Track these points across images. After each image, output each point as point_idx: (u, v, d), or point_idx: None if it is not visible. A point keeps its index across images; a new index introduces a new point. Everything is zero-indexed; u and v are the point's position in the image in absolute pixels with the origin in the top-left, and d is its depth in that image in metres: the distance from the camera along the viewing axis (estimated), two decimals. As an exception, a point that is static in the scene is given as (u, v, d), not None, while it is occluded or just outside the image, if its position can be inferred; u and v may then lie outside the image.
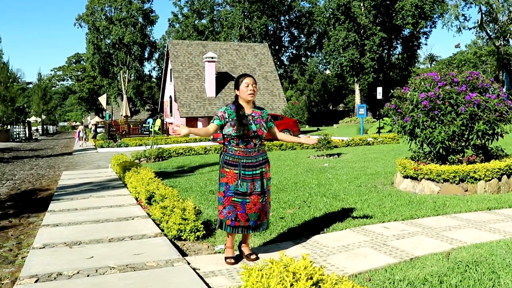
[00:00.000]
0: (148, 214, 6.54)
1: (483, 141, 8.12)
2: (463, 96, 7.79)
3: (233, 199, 4.24)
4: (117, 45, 63.64)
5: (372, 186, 8.52)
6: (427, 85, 8.15)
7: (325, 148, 14.66)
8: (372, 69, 49.85)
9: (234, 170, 4.24)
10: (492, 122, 7.71)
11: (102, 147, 24.89)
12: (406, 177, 8.32)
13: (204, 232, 5.29)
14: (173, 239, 5.25)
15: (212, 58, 34.03)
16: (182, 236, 5.22)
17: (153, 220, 6.09)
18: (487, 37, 53.17)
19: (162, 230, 5.50)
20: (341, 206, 6.68)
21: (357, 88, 53.25)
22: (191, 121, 33.88)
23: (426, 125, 7.87)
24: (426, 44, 61.40)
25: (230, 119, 4.24)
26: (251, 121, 4.29)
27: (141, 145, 24.55)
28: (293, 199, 7.36)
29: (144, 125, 37.70)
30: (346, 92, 71.41)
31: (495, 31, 52.20)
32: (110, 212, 6.80)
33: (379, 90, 24.53)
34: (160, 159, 15.35)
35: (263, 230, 4.54)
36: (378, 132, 31.06)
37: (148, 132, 35.60)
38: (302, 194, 7.80)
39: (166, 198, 6.35)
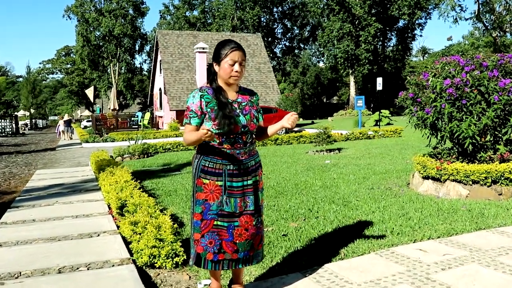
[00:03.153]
0: (118, 227, 5.28)
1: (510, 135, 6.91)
2: (496, 82, 6.58)
3: (215, 223, 3.02)
4: (107, 37, 62.16)
5: (386, 189, 7.30)
6: (451, 70, 6.93)
7: (324, 142, 13.44)
8: (367, 61, 48.78)
9: (217, 182, 3.01)
10: (531, 114, 6.51)
11: (87, 142, 23.54)
12: (426, 177, 7.11)
13: (185, 256, 4.04)
14: (144, 267, 4.01)
15: (203, 48, 32.65)
16: (156, 263, 3.98)
17: (123, 238, 4.85)
18: (483, 28, 52.12)
19: (132, 254, 4.25)
20: (356, 216, 5.45)
21: (352, 80, 52.14)
22: (181, 115, 32.57)
23: (451, 117, 6.66)
24: (421, 36, 60.41)
25: (209, 109, 2.98)
26: (237, 111, 3.06)
27: (130, 139, 23.21)
28: (296, 207, 6.13)
29: (133, 118, 36.26)
30: (339, 84, 70.35)
31: (492, 22, 51.18)
32: (73, 225, 5.55)
33: (379, 80, 23.28)
34: (145, 156, 14.06)
35: (257, 263, 3.29)
36: (377, 125, 29.93)
37: (137, 126, 34.22)
38: (306, 200, 6.57)
39: (141, 207, 5.12)
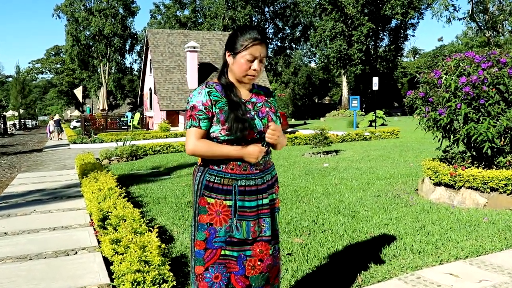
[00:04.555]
0: (100, 242, 4.65)
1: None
2: (516, 80, 6.01)
3: (222, 252, 2.41)
4: (97, 37, 61.25)
5: (394, 196, 6.71)
6: (466, 67, 6.36)
7: (322, 144, 12.84)
8: (359, 61, 48.40)
9: (225, 201, 2.39)
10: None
11: (75, 143, 22.78)
12: (438, 184, 6.54)
13: (175, 282, 3.42)
14: (126, 296, 3.39)
15: (194, 48, 31.91)
16: (141, 291, 3.36)
17: (104, 257, 4.21)
18: (477, 28, 51.84)
19: (113, 279, 3.62)
20: (367, 230, 4.85)
21: (344, 80, 51.76)
22: (172, 115, 31.85)
23: (467, 119, 6.09)
24: (413, 36, 59.95)
25: (217, 110, 2.38)
26: (252, 113, 2.46)
27: (117, 140, 22.52)
28: (298, 218, 5.52)
29: (122, 119, 35.47)
30: (331, 85, 70.04)
31: (485, 22, 50.93)
32: (48, 240, 4.91)
33: (375, 80, 22.71)
34: (134, 158, 13.38)
35: None
36: (371, 125, 29.41)
37: (126, 127, 33.46)
38: (309, 209, 5.96)
39: (125, 220, 4.49)
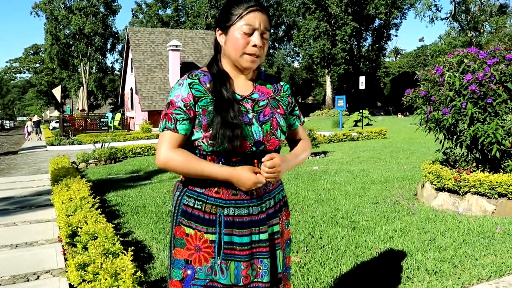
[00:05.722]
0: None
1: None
2: (526, 77, 5.54)
3: None
4: (77, 36, 60.02)
5: (393, 203, 6.21)
6: (470, 63, 5.88)
7: (310, 146, 12.30)
8: (343, 60, 48.13)
9: (207, 234, 1.80)
10: None
11: (52, 144, 21.95)
12: (440, 189, 6.05)
13: (154, 317, 2.86)
14: (94, 335, 2.82)
15: (176, 46, 31.23)
16: (112, 329, 2.79)
17: (71, 285, 3.62)
18: (459, 28, 51.93)
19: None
20: (371, 245, 4.32)
21: (328, 80, 51.44)
22: (153, 115, 31.14)
23: (473, 119, 5.61)
24: (396, 36, 59.89)
25: (200, 110, 1.79)
26: (250, 116, 1.83)
27: (97, 142, 21.77)
28: (293, 230, 4.96)
29: (102, 120, 34.62)
30: (314, 84, 69.72)
31: (467, 22, 51.04)
32: (8, 260, 4.28)
33: (362, 79, 22.28)
34: (113, 161, 12.71)
35: None
36: (356, 125, 29.03)
37: (107, 128, 32.63)
38: (303, 220, 5.41)
39: (96, 238, 3.91)
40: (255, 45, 1.80)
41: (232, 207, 1.80)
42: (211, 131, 1.74)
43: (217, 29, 1.88)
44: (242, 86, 1.90)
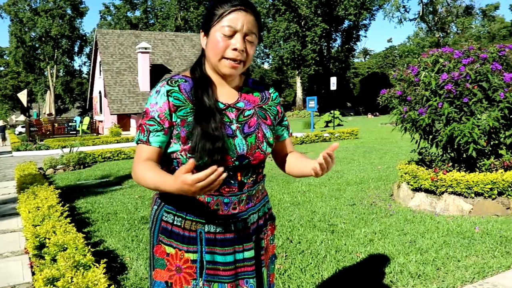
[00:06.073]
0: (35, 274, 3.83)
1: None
2: (500, 77, 5.55)
3: None
4: (43, 38, 58.83)
5: (370, 204, 6.15)
6: (445, 62, 5.86)
7: (283, 147, 12.22)
8: (313, 61, 48.39)
9: (188, 254, 1.65)
10: (542, 113, 5.53)
11: (18, 150, 21.35)
12: (417, 190, 6.01)
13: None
14: None
15: (145, 49, 30.81)
16: None
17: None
18: (427, 28, 52.79)
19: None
20: (351, 249, 4.22)
21: (298, 81, 51.62)
22: (123, 119, 30.65)
23: (449, 119, 5.58)
24: (365, 37, 60.57)
25: (178, 120, 1.62)
26: (233, 127, 1.67)
27: (64, 147, 21.28)
28: (270, 234, 4.85)
29: (70, 124, 33.91)
30: (284, 86, 69.88)
31: (435, 23, 51.92)
32: (-28, 273, 4.05)
33: (333, 80, 22.33)
34: (82, 166, 12.37)
35: None
36: (327, 126, 29.09)
37: (75, 132, 31.99)
38: (280, 224, 5.29)
39: (66, 249, 3.71)
40: (235, 49, 1.61)
41: (213, 224, 1.66)
42: (190, 144, 1.58)
43: (201, 30, 1.72)
44: (226, 93, 1.73)
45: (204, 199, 1.63)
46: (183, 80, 1.67)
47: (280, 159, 1.94)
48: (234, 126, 1.66)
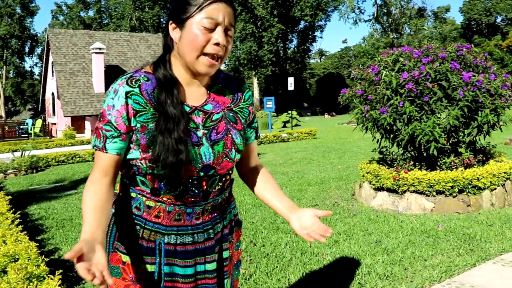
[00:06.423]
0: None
1: (474, 137, 5.98)
2: (459, 76, 5.61)
3: None
4: (-9, 38, 56.91)
5: (332, 204, 6.11)
6: (405, 62, 5.88)
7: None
8: (270, 62, 48.51)
9: (145, 265, 1.51)
10: (499, 111, 5.61)
11: (-34, 155, 20.54)
12: (379, 189, 6.00)
13: None
14: None
15: (100, 49, 30.14)
16: None
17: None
18: (382, 29, 53.82)
19: None
20: (317, 250, 4.13)
21: (255, 81, 51.62)
22: (77, 121, 29.90)
23: (411, 118, 5.59)
24: (321, 37, 61.38)
25: (138, 125, 1.45)
26: (199, 134, 1.51)
27: (16, 150, 20.52)
28: (234, 237, 4.72)
29: (22, 126, 32.86)
30: (241, 87, 69.83)
31: (389, 24, 52.99)
32: None
33: (291, 80, 22.38)
34: (35, 171, 11.91)
35: None
36: (285, 126, 29.19)
37: (27, 135, 31.01)
38: (242, 226, 5.19)
39: (18, 259, 3.49)
40: (217, 43, 1.44)
41: (173, 235, 1.52)
42: (150, 153, 1.43)
43: (170, 22, 1.50)
44: (193, 94, 1.55)
45: (165, 208, 1.49)
46: (145, 79, 1.48)
47: (245, 171, 1.81)
48: (200, 133, 1.50)
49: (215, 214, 1.60)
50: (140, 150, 1.44)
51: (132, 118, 1.44)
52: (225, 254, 1.64)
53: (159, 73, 1.50)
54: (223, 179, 1.58)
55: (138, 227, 1.50)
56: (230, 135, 1.56)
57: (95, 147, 1.47)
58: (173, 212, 1.50)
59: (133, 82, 1.46)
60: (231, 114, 1.60)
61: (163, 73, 1.50)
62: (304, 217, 1.61)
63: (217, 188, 1.56)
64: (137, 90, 1.45)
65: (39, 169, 12.21)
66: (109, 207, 1.43)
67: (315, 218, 1.60)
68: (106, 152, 1.45)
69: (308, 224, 1.59)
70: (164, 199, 1.49)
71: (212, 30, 1.44)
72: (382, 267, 3.62)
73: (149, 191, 1.49)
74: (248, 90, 1.71)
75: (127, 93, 1.44)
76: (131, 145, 1.47)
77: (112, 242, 1.54)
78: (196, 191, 1.50)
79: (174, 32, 1.49)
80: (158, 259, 1.50)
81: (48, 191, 8.51)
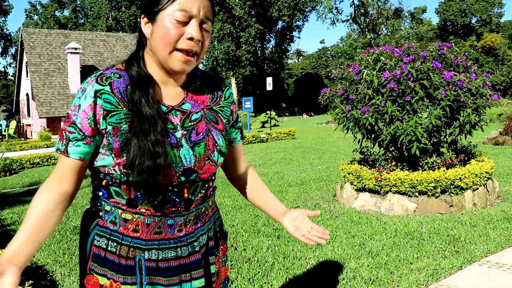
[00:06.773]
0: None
1: (456, 137, 5.95)
2: (441, 75, 5.56)
3: None
4: (-37, 38, 55.75)
5: (314, 206, 6.02)
6: (386, 61, 5.82)
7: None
8: (248, 62, 48.43)
9: (125, 286, 1.34)
10: (480, 110, 5.58)
11: None
12: (361, 190, 5.92)
13: None
14: None
15: (75, 49, 29.66)
16: None
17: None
18: (359, 30, 54.14)
19: None
20: (300, 254, 4.03)
21: (233, 82, 51.48)
22: (53, 122, 29.37)
23: (393, 117, 5.53)
24: (299, 38, 61.55)
25: (110, 127, 1.30)
26: (178, 135, 1.36)
27: (-11, 152, 20.04)
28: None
29: (-5, 128, 32.28)
30: (219, 87, 69.71)
31: (366, 24, 53.33)
32: None
33: (269, 80, 22.28)
34: (8, 173, 11.60)
35: None
36: (263, 126, 29.13)
37: (0, 137, 30.42)
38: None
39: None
40: (191, 38, 1.31)
41: (154, 250, 1.37)
42: (125, 157, 1.29)
43: (142, 16, 1.38)
44: (170, 93, 1.42)
45: (143, 221, 1.35)
46: (117, 76, 1.34)
47: (235, 176, 1.70)
48: (178, 134, 1.37)
49: (199, 225, 1.46)
50: (113, 155, 1.30)
51: (102, 120, 1.30)
52: (212, 269, 1.51)
53: (132, 70, 1.37)
54: (206, 185, 1.45)
55: (114, 244, 1.36)
56: (211, 136, 1.43)
57: (58, 150, 1.34)
58: (152, 225, 1.36)
59: (103, 80, 1.32)
60: (211, 114, 1.48)
61: (137, 70, 1.37)
62: (298, 219, 1.63)
63: (199, 196, 1.43)
64: (107, 88, 1.31)
65: (12, 171, 11.89)
66: (54, 220, 1.34)
67: (307, 219, 1.63)
68: (68, 156, 1.33)
69: (302, 225, 1.62)
70: (142, 210, 1.34)
71: (185, 23, 1.31)
72: (367, 271, 3.52)
73: (125, 203, 1.35)
74: (228, 87, 1.58)
75: (96, 92, 1.30)
76: (101, 150, 1.32)
77: (87, 263, 1.39)
78: (177, 199, 1.37)
79: (146, 27, 1.37)
80: (139, 278, 1.35)
81: (22, 195, 8.26)
